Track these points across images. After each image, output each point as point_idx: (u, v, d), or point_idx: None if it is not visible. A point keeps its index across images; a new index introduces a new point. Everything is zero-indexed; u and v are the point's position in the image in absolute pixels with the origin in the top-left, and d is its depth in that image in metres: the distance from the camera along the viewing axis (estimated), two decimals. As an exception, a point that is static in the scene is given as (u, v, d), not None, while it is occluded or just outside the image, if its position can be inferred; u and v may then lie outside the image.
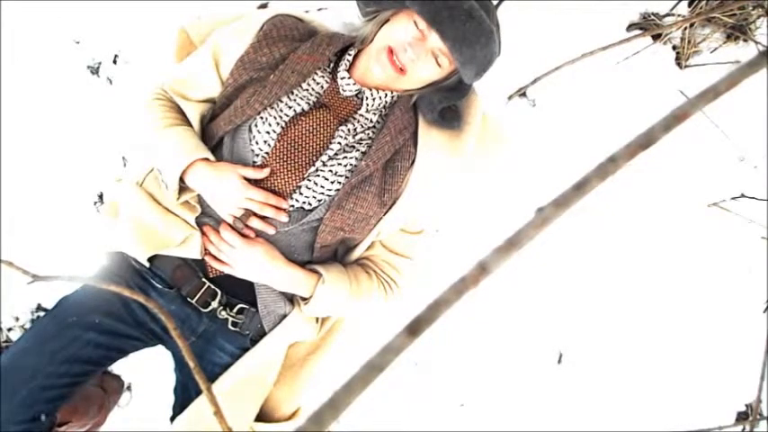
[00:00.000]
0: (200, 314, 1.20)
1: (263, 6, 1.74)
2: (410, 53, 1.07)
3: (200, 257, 1.16)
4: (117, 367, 1.74)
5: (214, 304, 1.18)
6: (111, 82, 1.79)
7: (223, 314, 1.19)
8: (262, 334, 1.21)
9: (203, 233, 1.16)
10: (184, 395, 1.23)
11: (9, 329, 1.77)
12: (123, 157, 1.78)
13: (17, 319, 1.77)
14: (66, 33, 1.78)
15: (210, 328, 1.21)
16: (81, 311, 1.18)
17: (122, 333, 1.20)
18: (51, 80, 1.77)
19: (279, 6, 1.25)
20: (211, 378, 1.19)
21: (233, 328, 1.21)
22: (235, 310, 1.19)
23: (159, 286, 1.20)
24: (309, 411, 1.35)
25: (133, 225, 1.17)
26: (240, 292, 1.19)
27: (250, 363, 1.20)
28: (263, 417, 1.27)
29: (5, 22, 1.74)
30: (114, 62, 1.79)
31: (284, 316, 1.20)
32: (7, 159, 1.75)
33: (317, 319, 1.25)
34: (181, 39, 1.34)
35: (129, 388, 1.76)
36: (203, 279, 1.18)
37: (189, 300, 1.18)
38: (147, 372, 1.73)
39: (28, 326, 1.77)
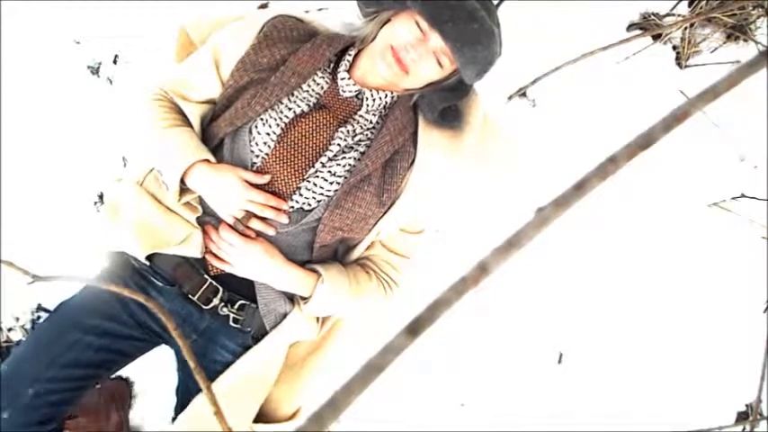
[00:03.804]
0: (201, 311, 1.20)
1: (264, 6, 1.75)
2: (412, 53, 1.07)
3: (200, 256, 1.16)
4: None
5: (215, 301, 1.18)
6: (111, 82, 1.79)
7: (224, 311, 1.19)
8: (263, 332, 1.21)
9: (204, 232, 1.16)
10: (185, 396, 1.23)
11: (9, 329, 1.77)
12: (123, 157, 1.78)
13: (17, 319, 1.77)
14: (67, 33, 1.78)
15: (212, 326, 1.21)
16: (80, 315, 1.18)
17: (122, 335, 1.20)
18: (51, 80, 1.77)
19: (279, 6, 1.25)
20: (213, 376, 1.19)
21: (234, 325, 1.20)
22: (236, 306, 1.19)
23: (160, 284, 1.19)
24: (309, 411, 1.35)
25: (133, 224, 1.18)
26: (241, 289, 1.19)
27: (251, 361, 1.20)
28: (263, 417, 1.27)
29: (5, 22, 1.74)
30: (114, 62, 1.79)
31: (285, 315, 1.20)
32: (7, 159, 1.75)
33: (318, 319, 1.25)
34: (181, 39, 1.34)
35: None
36: (205, 276, 1.18)
37: (190, 297, 1.18)
38: (149, 372, 1.73)
39: (28, 326, 1.77)
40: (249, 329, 1.22)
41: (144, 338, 1.23)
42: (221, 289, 1.18)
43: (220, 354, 1.23)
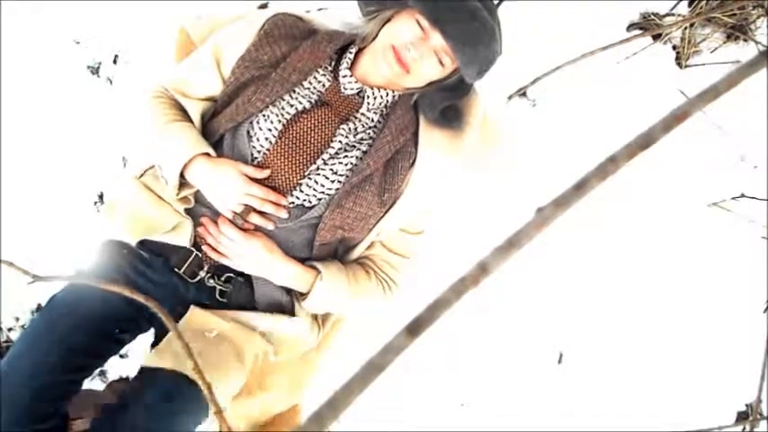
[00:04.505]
0: (187, 284, 1.19)
1: (264, 7, 1.75)
2: (413, 52, 1.07)
3: (188, 246, 1.16)
4: (126, 367, 1.73)
5: (201, 273, 1.18)
6: (111, 82, 1.79)
7: (211, 282, 1.18)
8: (251, 309, 1.20)
9: (201, 224, 1.16)
10: None
11: (9, 329, 1.77)
12: (123, 157, 1.78)
13: (17, 319, 1.77)
14: (67, 33, 1.78)
15: (198, 299, 1.20)
16: (70, 303, 1.18)
17: (114, 316, 1.18)
18: (51, 80, 1.77)
19: (279, 6, 1.26)
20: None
21: (220, 299, 1.20)
22: (223, 278, 1.19)
23: (147, 256, 1.19)
24: (309, 411, 1.35)
25: (126, 212, 1.18)
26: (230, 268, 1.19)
27: (233, 322, 1.16)
28: (262, 417, 1.27)
29: (5, 22, 1.74)
30: (114, 62, 1.79)
31: (280, 303, 1.20)
32: (7, 159, 1.75)
33: (318, 325, 1.25)
34: (181, 39, 1.34)
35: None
36: (191, 248, 1.17)
37: (176, 270, 1.18)
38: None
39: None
40: (235, 305, 1.20)
41: (134, 317, 1.21)
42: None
43: None
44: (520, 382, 1.79)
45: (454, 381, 1.79)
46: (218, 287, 1.19)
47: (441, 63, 1.10)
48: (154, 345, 1.26)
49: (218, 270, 1.19)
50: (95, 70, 1.79)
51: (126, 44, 1.77)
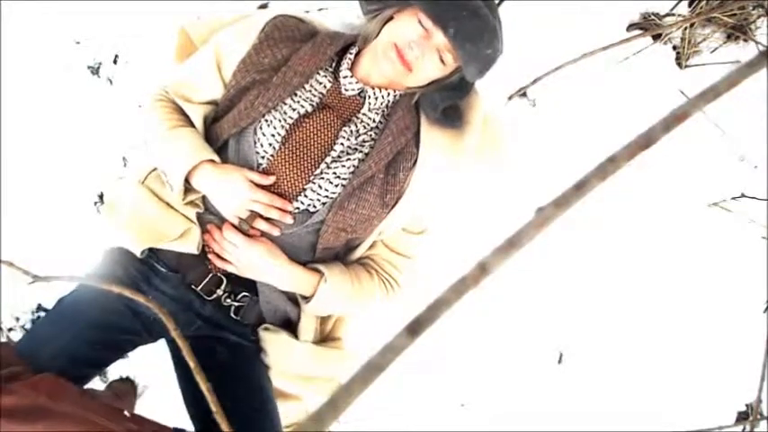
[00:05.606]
0: (203, 301, 1.19)
1: (264, 7, 1.74)
2: (415, 51, 1.07)
3: (197, 252, 1.16)
4: (125, 367, 1.73)
5: (218, 292, 1.18)
6: (111, 82, 1.79)
7: (227, 302, 1.19)
8: (261, 323, 1.22)
9: (207, 231, 1.16)
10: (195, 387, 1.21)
11: (9, 329, 1.77)
12: (123, 157, 1.78)
13: (17, 319, 1.77)
14: (67, 33, 1.78)
15: (214, 316, 1.21)
16: (77, 310, 1.17)
17: (119, 328, 1.18)
18: (51, 80, 1.77)
19: (279, 6, 1.26)
20: (222, 357, 1.18)
21: (234, 317, 1.20)
22: (239, 297, 1.20)
23: (163, 270, 1.18)
24: (309, 411, 1.36)
25: (131, 219, 1.17)
26: (240, 282, 1.19)
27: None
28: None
29: (5, 22, 1.74)
30: (114, 62, 1.79)
31: (285, 312, 1.20)
32: (7, 159, 1.75)
33: (316, 327, 1.25)
34: (181, 39, 1.34)
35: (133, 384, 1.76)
36: (209, 267, 1.18)
37: (193, 287, 1.18)
38: (155, 370, 1.72)
39: (28, 326, 1.77)
40: (248, 323, 1.22)
41: (139, 332, 1.20)
42: (225, 280, 1.18)
43: (228, 337, 1.22)
44: (520, 382, 1.79)
45: (454, 381, 1.79)
46: (234, 305, 1.19)
47: (442, 61, 1.10)
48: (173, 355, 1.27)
49: (235, 289, 1.19)
50: (95, 70, 1.79)
51: (126, 44, 1.77)
